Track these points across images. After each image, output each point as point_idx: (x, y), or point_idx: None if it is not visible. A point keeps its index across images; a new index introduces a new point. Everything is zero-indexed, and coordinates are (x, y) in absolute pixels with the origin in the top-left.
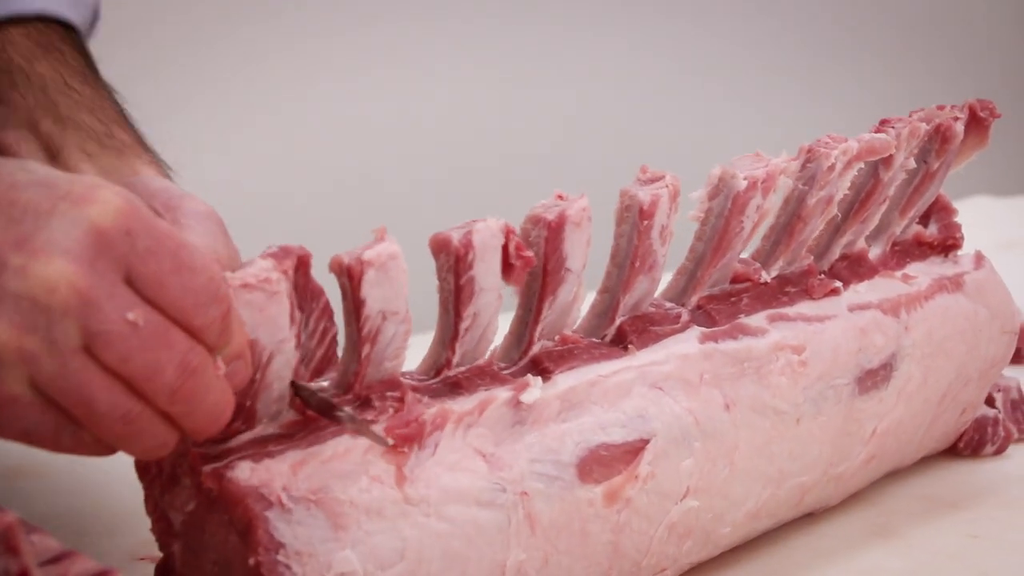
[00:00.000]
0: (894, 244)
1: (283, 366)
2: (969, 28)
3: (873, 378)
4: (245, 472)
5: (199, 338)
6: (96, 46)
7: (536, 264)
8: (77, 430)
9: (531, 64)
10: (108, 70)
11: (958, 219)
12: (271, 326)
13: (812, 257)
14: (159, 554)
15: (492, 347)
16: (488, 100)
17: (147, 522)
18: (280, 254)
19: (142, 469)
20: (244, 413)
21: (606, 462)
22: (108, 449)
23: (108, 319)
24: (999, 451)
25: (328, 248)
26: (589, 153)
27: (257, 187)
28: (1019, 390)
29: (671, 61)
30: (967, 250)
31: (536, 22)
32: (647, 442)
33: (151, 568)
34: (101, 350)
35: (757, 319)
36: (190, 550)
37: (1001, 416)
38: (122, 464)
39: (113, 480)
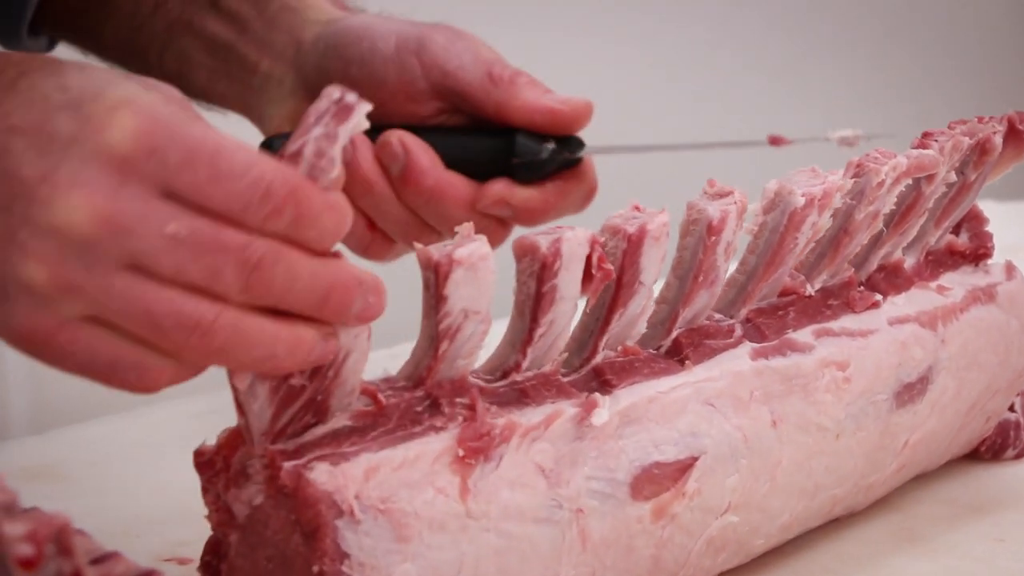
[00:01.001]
0: (927, 253)
1: (357, 360)
2: (962, 24)
3: (910, 392)
4: (323, 475)
5: (264, 233)
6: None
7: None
8: (154, 355)
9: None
10: None
11: (988, 228)
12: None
13: (852, 269)
14: (186, 556)
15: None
16: None
17: (169, 527)
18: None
19: (203, 464)
20: (317, 407)
21: (657, 480)
22: (194, 370)
23: (146, 238)
24: (1020, 455)
25: None
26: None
27: None
28: None
29: (662, 59)
30: None
31: (536, 25)
32: (696, 459)
33: (176, 570)
34: (151, 267)
35: (804, 334)
36: (247, 542)
37: (1022, 420)
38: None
39: (133, 482)
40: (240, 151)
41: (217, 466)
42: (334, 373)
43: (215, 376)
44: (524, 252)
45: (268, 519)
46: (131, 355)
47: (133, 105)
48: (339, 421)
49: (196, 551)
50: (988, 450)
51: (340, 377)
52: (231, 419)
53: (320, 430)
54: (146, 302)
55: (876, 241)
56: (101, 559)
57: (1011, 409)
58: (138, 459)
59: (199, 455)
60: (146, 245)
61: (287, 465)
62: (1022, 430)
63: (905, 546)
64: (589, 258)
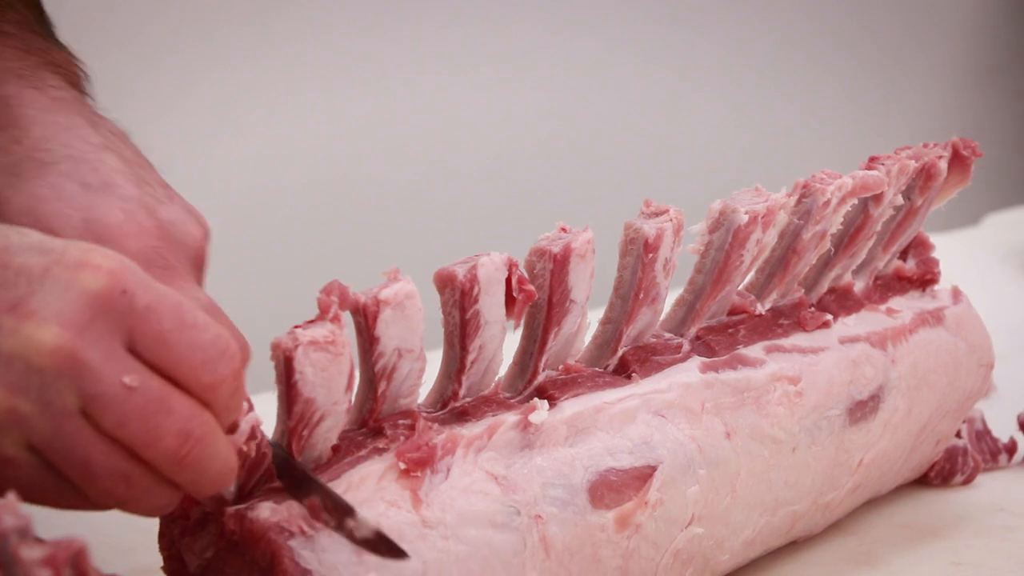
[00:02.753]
0: (876, 278)
1: (331, 428)
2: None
3: (863, 409)
4: (265, 511)
5: (209, 400)
6: (89, 45)
7: (540, 297)
8: (77, 490)
9: (526, 68)
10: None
11: (935, 255)
12: (329, 388)
13: (803, 290)
14: None
15: (496, 378)
16: (478, 102)
17: (137, 553)
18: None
19: None
20: None
21: (616, 487)
22: (109, 507)
23: (103, 382)
24: (968, 480)
25: (316, 246)
26: (581, 156)
27: (248, 187)
28: (983, 421)
29: (660, 67)
30: None
31: (533, 27)
32: (655, 468)
33: None
34: (98, 414)
35: (755, 350)
36: None
37: (969, 447)
38: None
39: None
40: (200, 310)
41: (176, 512)
42: (307, 434)
43: None
44: (444, 283)
45: (223, 567)
46: (66, 486)
47: (103, 253)
48: None
49: None
50: (937, 475)
51: (311, 440)
52: None
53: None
54: (89, 451)
55: (826, 263)
56: None
57: (958, 435)
58: None
59: None
60: (102, 390)
61: (229, 510)
62: (969, 456)
63: (865, 569)
64: (509, 281)
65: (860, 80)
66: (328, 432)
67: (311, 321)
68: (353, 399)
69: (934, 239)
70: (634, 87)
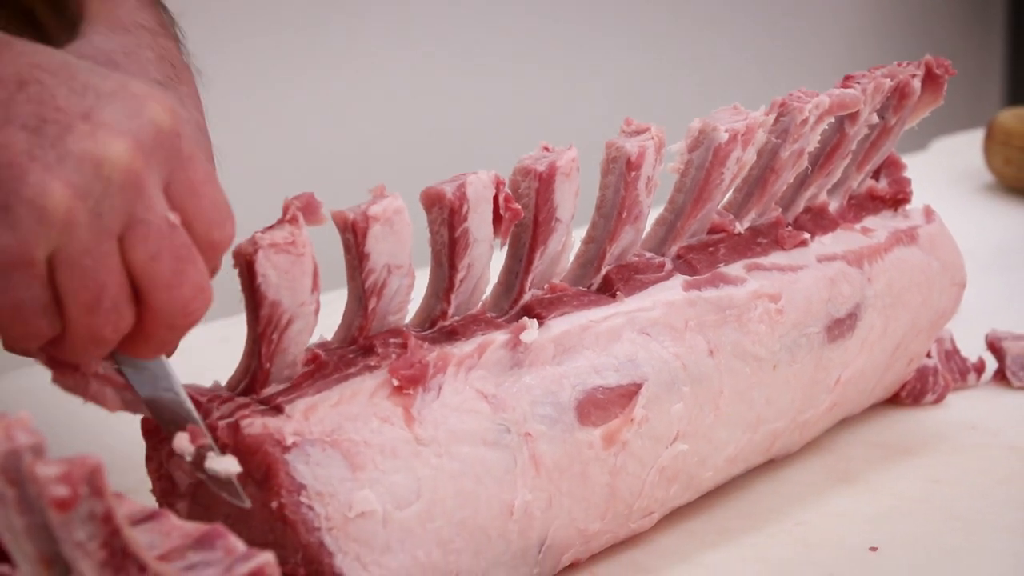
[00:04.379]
0: (850, 198)
1: (301, 331)
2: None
3: (840, 327)
4: (257, 425)
5: (211, 259)
6: None
7: (526, 215)
8: (49, 320)
9: (517, 48)
10: None
11: (906, 174)
12: (294, 289)
13: (780, 209)
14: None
15: (483, 298)
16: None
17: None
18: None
19: (149, 431)
20: (259, 376)
21: (603, 405)
22: (74, 349)
23: (153, 211)
24: (939, 399)
25: None
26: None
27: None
28: (952, 341)
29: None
30: None
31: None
32: (640, 386)
33: None
34: (137, 242)
35: (735, 268)
36: (199, 507)
37: (939, 366)
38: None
39: (83, 431)
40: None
41: (162, 434)
42: (277, 338)
43: None
44: (432, 202)
45: None
46: (43, 307)
47: (164, 94)
48: (276, 387)
49: (140, 499)
50: (909, 395)
51: (282, 344)
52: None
53: (256, 397)
54: (106, 278)
55: (802, 182)
56: None
57: (928, 355)
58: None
59: (146, 422)
60: (149, 217)
61: (221, 424)
62: (940, 375)
63: (843, 487)
64: (496, 199)
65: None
66: (299, 335)
67: (270, 226)
68: (318, 301)
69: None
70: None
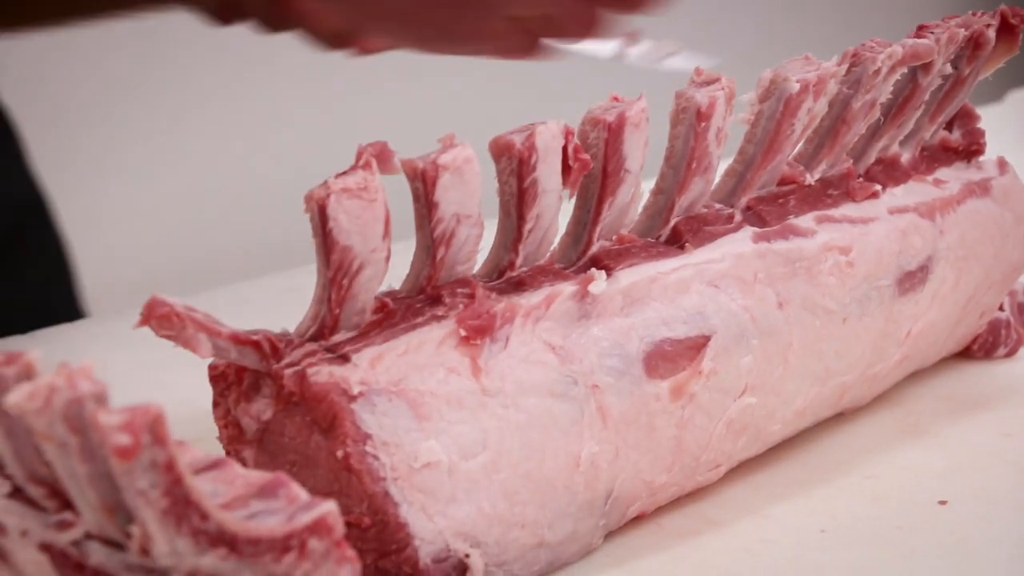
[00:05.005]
0: (922, 149)
1: (371, 278)
2: None
3: (911, 280)
4: (324, 374)
5: None
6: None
7: (595, 166)
8: None
9: None
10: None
11: (980, 125)
12: (365, 235)
13: (851, 161)
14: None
15: (551, 248)
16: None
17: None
18: (368, 163)
19: (216, 377)
20: (327, 322)
21: (671, 357)
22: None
23: None
24: (1011, 353)
25: None
26: None
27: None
28: None
29: None
30: None
31: None
32: (709, 338)
33: None
34: None
35: (805, 220)
36: (265, 454)
37: (1012, 319)
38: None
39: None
40: None
41: (229, 379)
42: (347, 284)
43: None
44: (501, 151)
45: (283, 428)
46: None
47: None
48: (344, 335)
49: (213, 449)
50: (980, 348)
51: (352, 291)
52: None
53: (324, 344)
54: None
55: (874, 133)
56: None
57: (1000, 308)
58: (140, 356)
59: (213, 368)
60: None
61: (288, 371)
62: (1012, 329)
63: (913, 440)
64: (565, 150)
65: None
66: (369, 283)
67: (344, 172)
68: (390, 248)
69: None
70: None
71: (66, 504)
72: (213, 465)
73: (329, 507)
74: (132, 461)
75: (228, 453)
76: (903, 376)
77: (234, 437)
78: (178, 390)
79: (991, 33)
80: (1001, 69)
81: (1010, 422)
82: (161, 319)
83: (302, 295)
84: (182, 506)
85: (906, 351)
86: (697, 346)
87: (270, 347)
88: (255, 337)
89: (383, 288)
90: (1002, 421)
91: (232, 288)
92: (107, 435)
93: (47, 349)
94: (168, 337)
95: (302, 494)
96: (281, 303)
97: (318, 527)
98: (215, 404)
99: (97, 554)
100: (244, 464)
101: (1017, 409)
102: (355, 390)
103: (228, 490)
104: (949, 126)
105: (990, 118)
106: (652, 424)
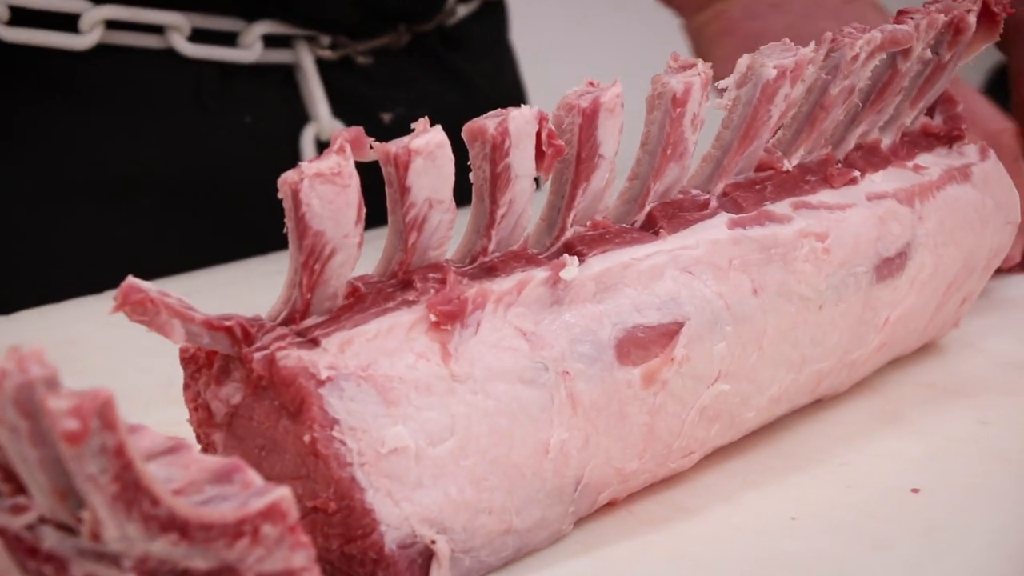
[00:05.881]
0: (903, 135)
1: (343, 263)
2: None
3: (889, 266)
4: (293, 358)
5: None
6: None
7: (569, 151)
8: None
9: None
10: None
11: (961, 110)
12: (337, 220)
13: (830, 147)
14: (177, 437)
15: (525, 234)
16: None
17: (158, 406)
18: (343, 148)
19: (188, 360)
20: (299, 307)
21: (643, 344)
22: None
23: None
24: None
25: None
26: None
27: None
28: None
29: None
30: None
31: None
32: (682, 325)
33: None
34: None
35: (782, 206)
36: (234, 438)
37: None
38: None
39: (118, 363)
40: None
41: (200, 362)
42: (319, 269)
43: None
44: (474, 136)
45: (252, 412)
46: None
47: None
48: (315, 319)
49: (188, 431)
50: None
51: (324, 276)
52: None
53: (295, 328)
54: None
55: (853, 119)
56: (129, 431)
57: None
58: (121, 339)
59: (184, 351)
60: None
61: (257, 356)
62: None
63: (890, 428)
64: (539, 135)
65: None
66: (341, 268)
67: (317, 157)
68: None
69: None
70: None
71: (20, 488)
72: (170, 450)
73: (283, 492)
74: (81, 446)
75: (198, 436)
76: (883, 363)
77: (204, 420)
78: (162, 371)
79: (972, 19)
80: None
81: (987, 409)
82: (135, 305)
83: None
84: (132, 491)
85: (884, 338)
86: (670, 333)
87: (242, 332)
88: (227, 323)
89: (358, 272)
90: (980, 408)
91: (209, 272)
92: (56, 420)
93: (29, 330)
94: (142, 322)
95: (256, 479)
96: (261, 287)
97: (271, 513)
98: (186, 387)
99: (50, 538)
100: (214, 448)
101: (995, 396)
102: (323, 375)
103: (183, 475)
104: (931, 111)
105: None
106: (623, 411)
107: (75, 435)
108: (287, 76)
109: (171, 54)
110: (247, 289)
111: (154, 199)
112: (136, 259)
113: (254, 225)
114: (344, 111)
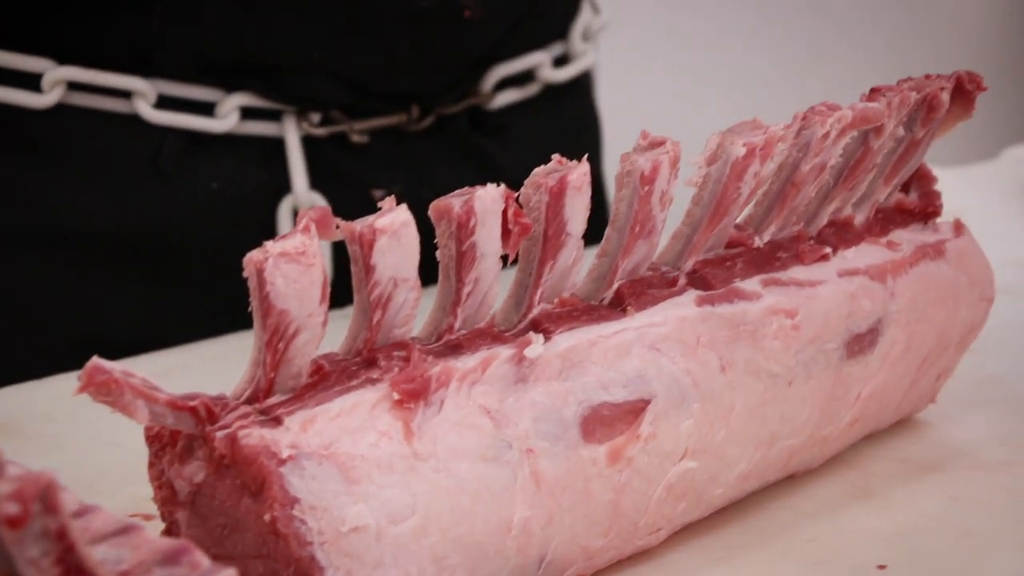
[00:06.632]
0: (877, 211)
1: (307, 342)
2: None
3: (860, 343)
4: (255, 436)
5: None
6: None
7: (536, 229)
8: None
9: None
10: None
11: (937, 187)
12: (302, 299)
13: (802, 223)
14: (150, 513)
15: (492, 311)
16: None
17: (132, 482)
18: (308, 227)
19: (152, 438)
20: (262, 385)
21: (608, 422)
22: None
23: None
24: None
25: None
26: None
27: None
28: None
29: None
30: None
31: None
32: (648, 402)
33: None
34: None
35: (752, 283)
36: (197, 516)
37: None
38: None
39: (93, 438)
40: None
41: (164, 441)
42: (283, 347)
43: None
44: (440, 215)
45: (214, 491)
46: None
47: None
48: (279, 398)
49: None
50: None
51: (288, 354)
52: (193, 376)
53: (258, 407)
54: None
55: (825, 196)
56: (80, 513)
57: None
58: (97, 415)
59: (149, 429)
60: None
61: (219, 434)
62: None
63: (861, 503)
64: (505, 213)
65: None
66: (305, 347)
67: (283, 236)
68: (327, 312)
69: (952, 173)
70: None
71: None
72: (122, 531)
73: (229, 573)
74: (22, 530)
75: (162, 515)
76: (857, 438)
77: (167, 499)
78: (136, 448)
79: (945, 96)
80: (997, 126)
81: (957, 485)
82: (100, 386)
83: (228, 363)
84: (75, 574)
85: (857, 414)
86: (636, 410)
87: (206, 411)
88: (191, 402)
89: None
90: (950, 483)
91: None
92: None
93: (7, 407)
94: (106, 403)
95: (204, 561)
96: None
97: None
98: (150, 465)
99: None
100: (177, 526)
101: (967, 472)
102: (285, 453)
103: (133, 556)
104: (906, 188)
105: (987, 174)
106: (588, 488)
107: (15, 519)
108: (274, 145)
109: (135, 118)
110: (230, 364)
111: (109, 260)
112: (93, 320)
113: (221, 294)
114: (331, 184)
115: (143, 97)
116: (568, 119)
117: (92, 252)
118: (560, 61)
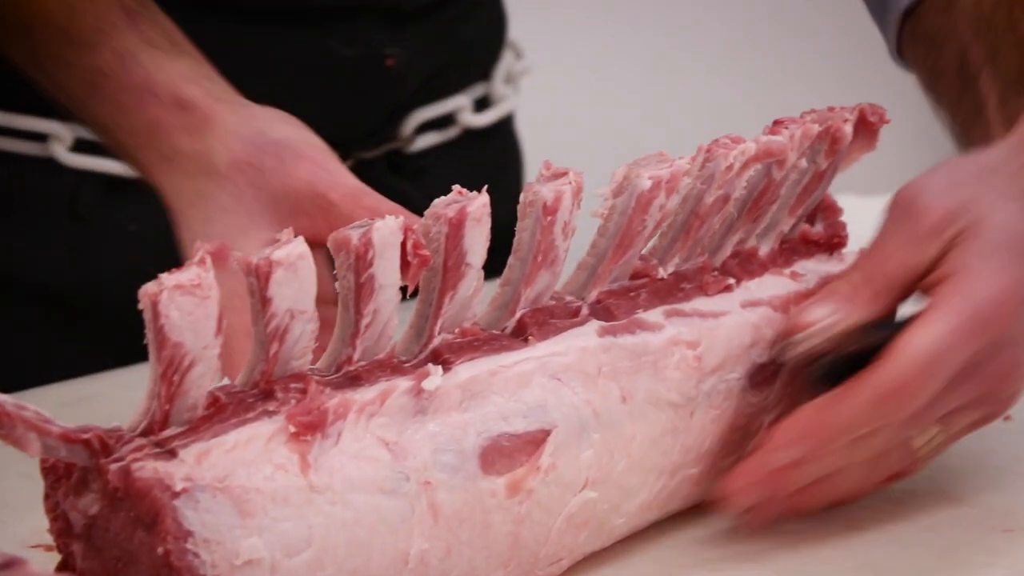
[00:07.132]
0: (782, 242)
1: (203, 375)
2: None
3: (763, 373)
4: (149, 469)
5: None
6: None
7: (436, 260)
8: None
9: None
10: None
11: (843, 218)
12: (197, 332)
13: (707, 254)
14: (51, 544)
15: (392, 342)
16: None
17: (38, 513)
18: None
19: (47, 470)
20: (158, 418)
21: (508, 452)
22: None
23: None
24: None
25: None
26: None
27: None
28: None
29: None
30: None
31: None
32: (548, 433)
33: (42, 556)
34: None
35: (654, 314)
36: (92, 549)
37: None
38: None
39: (4, 471)
40: None
41: (60, 472)
42: (178, 380)
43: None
44: (339, 247)
45: (109, 523)
46: None
47: None
48: (174, 430)
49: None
50: None
51: (183, 387)
52: (98, 408)
53: (154, 439)
54: None
55: (729, 227)
56: None
57: None
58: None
59: (44, 460)
60: None
61: (113, 467)
62: None
63: (765, 531)
64: (404, 245)
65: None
66: (200, 379)
67: (178, 268)
68: (221, 345)
69: (858, 203)
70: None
71: None
72: (3, 567)
73: None
74: None
75: (58, 547)
76: None
77: (63, 530)
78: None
79: (848, 129)
80: (923, 154)
81: (857, 515)
82: None
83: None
84: None
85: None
86: (536, 441)
87: (100, 444)
88: (85, 435)
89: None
90: (851, 513)
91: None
92: None
93: None
94: None
95: None
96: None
97: None
98: (46, 496)
99: None
100: (73, 558)
101: (876, 503)
102: (178, 486)
103: None
104: (811, 219)
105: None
106: (487, 520)
107: None
108: None
109: (52, 161)
110: (141, 394)
111: (22, 301)
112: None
113: (138, 334)
114: None
115: (60, 141)
116: (489, 159)
117: (3, 292)
118: (482, 103)
